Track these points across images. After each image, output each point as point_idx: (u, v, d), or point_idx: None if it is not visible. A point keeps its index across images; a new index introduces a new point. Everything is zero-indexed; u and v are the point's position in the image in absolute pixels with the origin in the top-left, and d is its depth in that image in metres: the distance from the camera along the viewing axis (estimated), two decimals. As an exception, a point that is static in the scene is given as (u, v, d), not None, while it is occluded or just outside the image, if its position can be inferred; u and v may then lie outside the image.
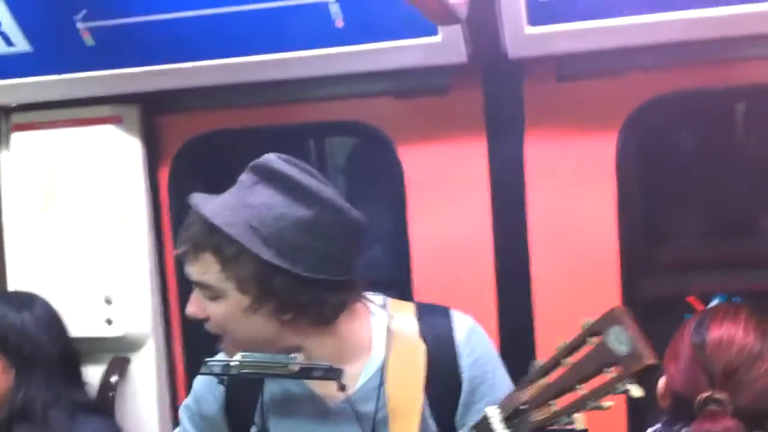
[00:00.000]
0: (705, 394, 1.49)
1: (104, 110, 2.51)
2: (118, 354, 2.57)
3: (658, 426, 1.63)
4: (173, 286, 2.64)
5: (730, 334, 1.55)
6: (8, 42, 2.38)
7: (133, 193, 2.53)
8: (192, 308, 1.69)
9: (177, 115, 2.55)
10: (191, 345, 2.66)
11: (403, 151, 2.29)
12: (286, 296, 1.62)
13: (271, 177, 1.64)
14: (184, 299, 2.56)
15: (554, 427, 1.31)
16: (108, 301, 2.53)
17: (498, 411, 1.38)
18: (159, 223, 2.60)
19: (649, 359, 1.19)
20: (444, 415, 1.72)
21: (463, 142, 2.23)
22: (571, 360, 1.27)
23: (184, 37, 2.26)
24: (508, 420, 1.36)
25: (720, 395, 1.49)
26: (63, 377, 2.40)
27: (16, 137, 2.59)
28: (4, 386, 2.30)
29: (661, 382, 1.63)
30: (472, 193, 2.23)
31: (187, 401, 1.92)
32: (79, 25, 2.30)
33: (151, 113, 2.54)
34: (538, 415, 1.30)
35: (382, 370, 1.73)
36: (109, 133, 2.51)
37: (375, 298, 1.82)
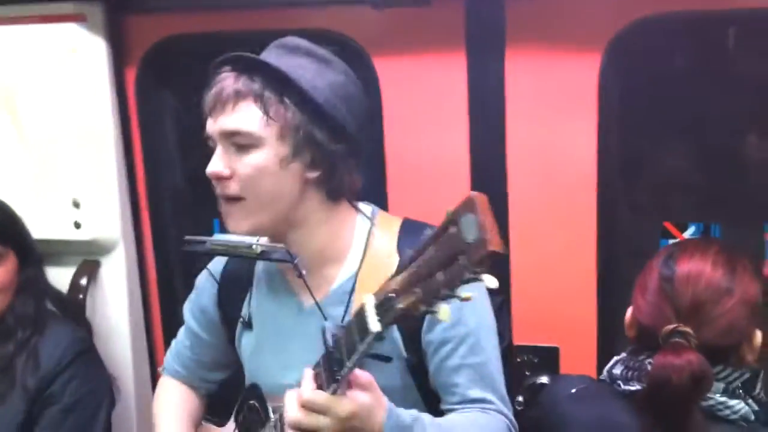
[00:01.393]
0: (670, 327, 1.52)
1: (67, 7, 2.39)
2: (87, 257, 2.56)
3: (623, 355, 1.67)
4: (142, 189, 2.60)
5: (699, 268, 1.56)
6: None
7: (98, 93, 2.46)
8: (216, 166, 1.70)
9: (144, 15, 2.44)
10: (161, 249, 2.65)
11: (378, 62, 2.21)
12: (323, 147, 1.69)
13: (297, 49, 1.73)
14: (154, 202, 2.58)
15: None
16: (76, 204, 2.50)
17: (372, 298, 1.40)
18: (127, 125, 2.53)
19: (492, 246, 1.15)
20: (408, 328, 1.76)
21: (442, 56, 2.15)
22: (433, 248, 1.25)
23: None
24: (378, 307, 1.37)
25: (685, 328, 1.51)
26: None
27: (-26, 31, 2.48)
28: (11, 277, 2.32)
29: (629, 313, 1.66)
30: (449, 108, 2.17)
31: (190, 295, 2.07)
32: None
33: (117, 13, 2.43)
34: (403, 303, 1.31)
35: (355, 277, 1.79)
36: (72, 31, 2.40)
37: (365, 207, 1.87)
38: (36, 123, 2.47)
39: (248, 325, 1.91)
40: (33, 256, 2.39)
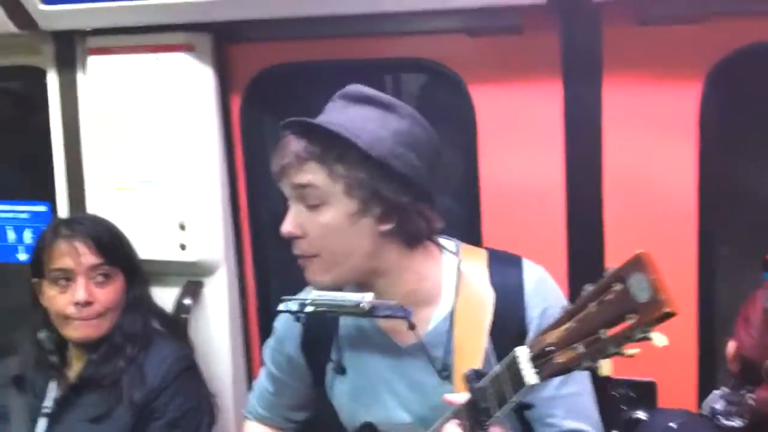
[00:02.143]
0: None
1: (177, 37, 2.50)
2: (191, 278, 2.64)
3: (724, 389, 1.63)
4: (245, 214, 2.67)
5: None
6: (84, -34, 2.38)
7: (205, 120, 2.55)
8: (289, 226, 1.74)
9: (249, 44, 2.53)
10: (262, 271, 2.72)
11: (474, 90, 2.23)
12: (391, 198, 1.69)
13: (360, 99, 1.74)
14: (255, 226, 2.66)
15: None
16: (182, 227, 2.58)
17: (527, 351, 1.40)
18: (231, 151, 2.62)
19: (667, 307, 1.17)
20: None
21: (538, 83, 2.15)
22: (596, 305, 1.26)
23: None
24: (535, 360, 1.38)
25: None
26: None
27: (93, 61, 2.62)
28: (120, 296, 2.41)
29: (731, 346, 1.62)
30: (545, 136, 2.16)
31: (269, 341, 2.07)
32: (153, -48, 2.29)
33: (223, 42, 2.52)
34: (563, 357, 1.32)
35: (451, 315, 1.78)
36: (181, 60, 2.50)
37: (447, 243, 1.86)
38: (145, 147, 2.57)
39: (341, 368, 1.90)
40: (140, 276, 2.49)
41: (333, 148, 1.68)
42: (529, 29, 2.13)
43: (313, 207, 1.71)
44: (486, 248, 1.87)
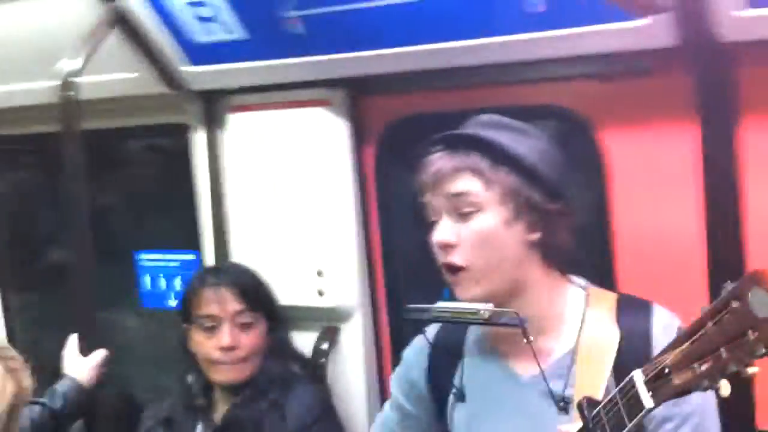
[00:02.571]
0: None
1: (314, 93, 2.62)
2: (328, 324, 2.73)
3: None
4: (379, 261, 2.74)
5: None
6: (227, 30, 2.54)
7: (340, 170, 2.65)
8: (443, 234, 1.78)
9: (381, 97, 2.62)
10: (396, 317, 2.76)
11: (604, 136, 2.23)
12: (540, 207, 1.74)
13: (495, 125, 1.82)
14: (389, 272, 2.72)
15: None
16: (319, 274, 2.68)
17: (642, 374, 1.37)
18: (365, 199, 2.70)
19: None
20: None
21: (671, 127, 2.12)
22: (714, 325, 1.23)
23: (389, 23, 2.31)
24: (650, 383, 1.35)
25: None
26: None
27: (234, 118, 2.78)
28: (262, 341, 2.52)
29: None
30: (681, 181, 2.13)
31: (397, 369, 2.10)
32: (290, 14, 2.41)
33: (356, 96, 2.62)
34: (681, 379, 1.28)
35: (574, 351, 1.77)
36: (318, 115, 2.62)
37: (576, 279, 1.87)
38: (285, 198, 2.70)
39: (461, 396, 1.92)
40: (281, 321, 2.59)
41: (486, 159, 1.75)
42: (658, 71, 2.11)
43: (465, 215, 1.76)
44: (621, 293, 1.86)
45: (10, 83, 3.01)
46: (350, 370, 2.72)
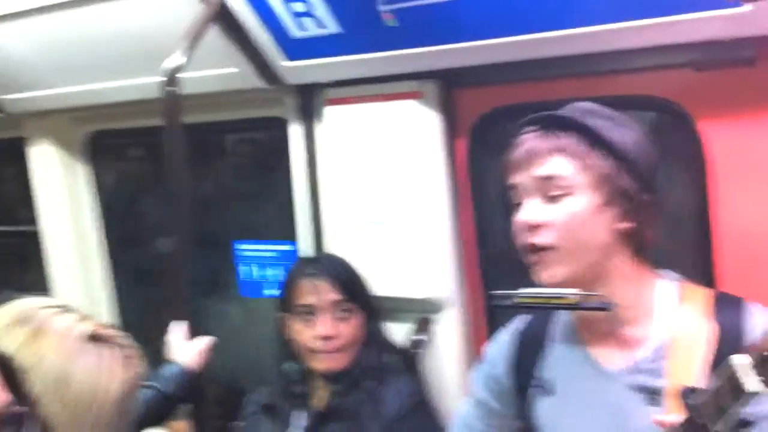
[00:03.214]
0: None
1: (406, 86, 2.64)
2: (422, 315, 2.75)
3: None
4: (473, 253, 2.75)
5: None
6: (321, 25, 2.58)
7: (433, 162, 2.66)
8: (529, 214, 1.76)
9: (473, 89, 2.62)
10: (491, 308, 2.77)
11: (704, 127, 2.18)
12: (633, 197, 1.72)
13: (589, 113, 1.78)
14: (483, 263, 2.73)
15: None
16: (413, 265, 2.70)
17: (746, 358, 1.35)
18: (458, 191, 2.71)
19: None
20: None
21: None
22: None
23: (481, 15, 2.30)
24: (758, 366, 1.32)
25: None
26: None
27: (329, 111, 2.82)
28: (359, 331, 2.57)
29: None
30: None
31: (479, 366, 2.11)
32: (382, 8, 2.43)
33: (448, 88, 2.63)
34: None
35: (666, 343, 1.74)
36: (411, 107, 2.65)
37: (666, 273, 1.83)
38: (378, 190, 2.73)
39: (546, 389, 1.91)
40: (376, 312, 2.63)
41: (581, 142, 1.73)
42: (762, 60, 2.04)
43: (554, 198, 1.74)
44: (718, 291, 1.82)
45: (117, 79, 3.13)
46: (445, 361, 2.74)
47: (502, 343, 2.03)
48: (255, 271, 3.28)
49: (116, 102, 3.28)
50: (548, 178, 1.74)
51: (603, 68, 2.31)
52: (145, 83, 2.93)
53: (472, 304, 2.78)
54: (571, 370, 1.87)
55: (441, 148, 2.66)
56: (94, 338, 1.69)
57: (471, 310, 2.78)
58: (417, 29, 2.45)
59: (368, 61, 2.58)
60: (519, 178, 1.79)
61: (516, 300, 1.78)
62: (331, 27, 2.57)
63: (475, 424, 2.11)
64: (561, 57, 2.30)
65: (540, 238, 1.75)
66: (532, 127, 1.80)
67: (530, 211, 1.76)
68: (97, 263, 3.95)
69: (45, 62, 3.28)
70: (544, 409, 1.92)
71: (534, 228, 1.75)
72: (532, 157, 1.76)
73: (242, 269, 3.33)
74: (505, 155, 1.82)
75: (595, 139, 1.73)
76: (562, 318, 1.94)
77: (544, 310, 1.91)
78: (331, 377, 2.55)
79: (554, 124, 1.77)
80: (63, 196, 3.81)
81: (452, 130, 2.67)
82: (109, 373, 1.67)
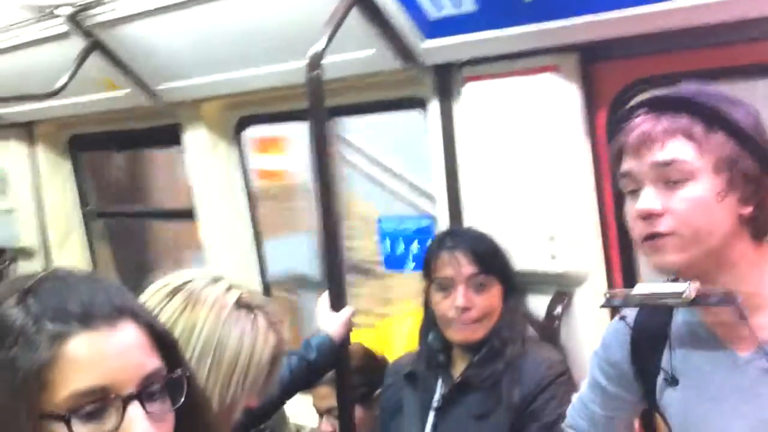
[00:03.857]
0: None
1: (543, 60, 2.64)
2: (561, 288, 2.76)
3: None
4: (613, 226, 2.72)
5: None
6: (457, 3, 2.62)
7: (572, 135, 2.66)
8: (648, 203, 1.65)
9: (613, 61, 2.60)
10: (631, 281, 2.73)
11: None
12: (756, 179, 1.64)
13: (700, 91, 1.69)
14: (623, 237, 2.70)
15: None
16: (552, 238, 2.72)
17: None
18: (598, 164, 2.69)
19: None
20: None
21: None
22: None
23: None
24: None
25: None
26: None
27: (468, 88, 2.86)
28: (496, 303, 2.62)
29: None
30: None
31: (596, 348, 2.03)
32: (518, -18, 2.45)
33: (587, 61, 2.62)
34: None
35: None
36: (549, 81, 2.65)
37: None
38: (517, 164, 2.75)
39: (673, 381, 1.82)
40: (515, 285, 2.67)
41: (699, 122, 1.64)
42: None
43: (674, 184, 1.64)
44: None
45: (264, 66, 3.28)
46: (583, 334, 2.73)
47: (618, 329, 1.94)
48: (396, 245, 3.37)
49: (263, 88, 3.43)
50: (667, 164, 1.64)
51: (747, 36, 2.24)
52: (291, 69, 3.06)
53: (612, 278, 2.76)
54: (701, 360, 1.79)
55: (581, 121, 2.65)
56: (243, 306, 1.80)
57: (611, 284, 2.76)
58: (553, 3, 2.46)
59: (505, 37, 2.60)
60: (633, 165, 1.68)
61: (632, 301, 1.72)
62: (468, 5, 2.60)
63: (594, 409, 2.07)
64: (705, 26, 2.25)
65: (657, 227, 1.66)
66: (643, 109, 1.70)
67: (649, 199, 1.66)
68: (249, 245, 4.14)
69: (197, 53, 3.48)
70: (673, 400, 1.85)
71: (652, 217, 1.66)
72: (647, 142, 1.65)
73: (385, 243, 3.43)
74: (614, 140, 1.73)
75: (713, 121, 1.63)
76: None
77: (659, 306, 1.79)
78: (469, 347, 2.61)
79: (667, 104, 1.68)
80: (216, 179, 4.02)
81: (591, 103, 2.65)
82: (257, 338, 1.78)
